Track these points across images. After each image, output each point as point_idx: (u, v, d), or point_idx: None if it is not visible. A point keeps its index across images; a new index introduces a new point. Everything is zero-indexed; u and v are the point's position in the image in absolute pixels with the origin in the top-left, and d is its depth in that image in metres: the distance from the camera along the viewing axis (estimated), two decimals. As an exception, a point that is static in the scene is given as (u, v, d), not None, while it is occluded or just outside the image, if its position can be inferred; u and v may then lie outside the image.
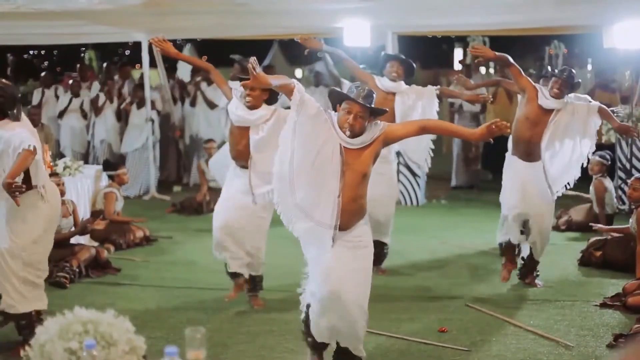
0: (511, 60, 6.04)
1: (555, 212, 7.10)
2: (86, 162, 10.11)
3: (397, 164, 8.04)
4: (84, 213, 7.60)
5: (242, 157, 5.65)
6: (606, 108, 6.29)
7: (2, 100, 4.68)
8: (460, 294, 6.26)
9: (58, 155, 9.79)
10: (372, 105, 4.12)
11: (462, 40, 18.37)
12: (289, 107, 4.31)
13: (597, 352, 4.97)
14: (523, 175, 6.24)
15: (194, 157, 11.45)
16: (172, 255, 7.66)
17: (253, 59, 4.20)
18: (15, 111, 4.73)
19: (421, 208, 10.16)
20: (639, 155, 9.35)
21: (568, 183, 6.34)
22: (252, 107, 5.51)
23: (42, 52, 24.77)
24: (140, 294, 6.29)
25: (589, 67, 14.63)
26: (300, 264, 4.50)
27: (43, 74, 12.41)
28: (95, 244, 7.51)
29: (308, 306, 4.36)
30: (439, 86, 6.96)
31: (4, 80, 4.89)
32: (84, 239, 7.37)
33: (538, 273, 6.51)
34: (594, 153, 6.63)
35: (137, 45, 11.44)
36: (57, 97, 11.34)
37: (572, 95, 6.28)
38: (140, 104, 10.81)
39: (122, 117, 11.16)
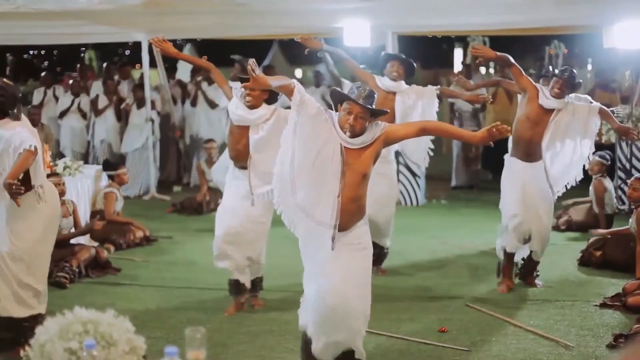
0: (512, 60, 6.04)
1: (555, 212, 7.10)
2: (86, 162, 10.11)
3: (397, 164, 8.02)
4: (84, 213, 7.61)
5: (241, 158, 5.64)
6: (606, 109, 6.30)
7: (2, 99, 4.67)
8: (460, 294, 6.26)
9: (58, 155, 9.80)
10: (373, 106, 4.12)
11: (462, 40, 18.36)
12: (289, 107, 4.31)
13: (597, 352, 4.97)
14: (523, 176, 6.23)
15: (194, 157, 11.45)
16: (172, 255, 7.66)
17: (252, 61, 4.20)
18: (15, 111, 4.73)
19: (421, 208, 10.16)
20: (639, 155, 9.34)
21: (568, 183, 6.35)
22: (252, 106, 5.51)
23: (42, 52, 24.77)
24: (140, 294, 6.29)
25: (589, 67, 14.63)
26: (301, 264, 4.48)
27: (43, 74, 12.42)
28: (95, 244, 7.51)
29: (305, 335, 4.32)
30: (439, 86, 6.96)
31: (4, 79, 4.89)
32: (84, 239, 7.37)
33: (538, 273, 6.51)
34: (593, 153, 6.62)
35: (137, 45, 11.43)
36: (55, 97, 11.33)
37: (572, 95, 6.28)
38: (140, 104, 10.80)
39: (122, 117, 11.16)
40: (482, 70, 17.04)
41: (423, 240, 8.24)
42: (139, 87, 11.01)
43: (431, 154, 6.94)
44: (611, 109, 6.44)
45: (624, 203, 8.97)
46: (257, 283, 5.92)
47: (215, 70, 5.79)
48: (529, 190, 6.23)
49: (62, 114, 11.06)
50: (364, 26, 9.28)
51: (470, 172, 11.36)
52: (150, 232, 8.21)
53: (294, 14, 8.89)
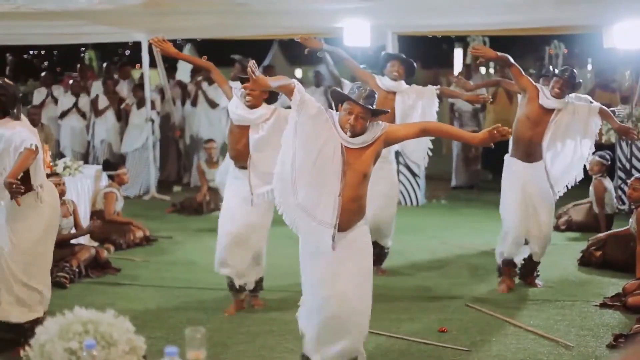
0: (512, 60, 6.04)
1: (555, 213, 7.10)
2: (86, 162, 10.11)
3: (397, 164, 8.03)
4: (84, 213, 7.60)
5: (241, 157, 5.64)
6: (607, 109, 6.30)
7: (4, 99, 4.67)
8: (460, 294, 6.26)
9: (58, 155, 9.79)
10: (374, 106, 4.12)
11: (462, 40, 18.35)
12: (289, 107, 4.31)
13: (597, 352, 4.97)
14: (523, 176, 6.23)
15: (194, 157, 11.46)
16: (172, 255, 7.66)
17: (252, 63, 4.19)
18: (15, 110, 4.73)
19: (421, 208, 10.15)
20: (639, 155, 9.34)
21: (569, 183, 6.35)
22: (252, 106, 5.50)
23: (42, 52, 24.77)
24: (140, 294, 6.29)
25: (589, 67, 14.65)
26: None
27: (44, 74, 12.42)
28: (95, 244, 7.51)
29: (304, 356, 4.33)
30: (439, 86, 6.96)
31: (5, 79, 4.89)
32: (84, 239, 7.37)
33: (538, 273, 6.51)
34: (593, 153, 6.62)
35: (137, 45, 11.43)
36: (54, 98, 11.32)
37: (573, 95, 6.28)
38: (140, 104, 10.81)
39: (122, 117, 11.16)
40: (482, 70, 17.04)
41: (423, 240, 8.24)
42: (139, 87, 11.01)
43: (430, 154, 6.94)
44: (611, 108, 6.43)
45: (624, 203, 8.97)
46: (257, 283, 5.92)
47: (216, 70, 5.79)
48: (529, 190, 6.22)
49: (63, 114, 11.06)
50: (364, 26, 9.28)
51: (470, 172, 11.36)
52: (150, 232, 8.21)
53: (294, 14, 8.89)
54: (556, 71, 6.43)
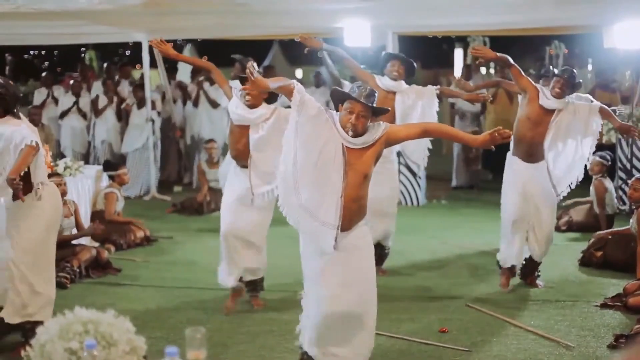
0: (511, 60, 6.03)
1: (556, 212, 7.10)
2: (87, 162, 10.10)
3: (397, 164, 8.02)
4: (84, 213, 7.60)
5: (242, 157, 5.64)
6: (607, 108, 6.29)
7: (4, 97, 4.68)
8: (461, 294, 6.26)
9: (58, 155, 9.79)
10: (374, 105, 4.11)
11: (462, 40, 18.38)
12: (289, 106, 4.30)
13: (598, 353, 4.97)
14: (524, 176, 6.23)
15: (194, 157, 11.46)
16: (173, 256, 7.66)
17: (250, 64, 4.18)
18: (15, 110, 4.74)
19: (421, 208, 10.15)
20: (640, 156, 9.35)
21: (571, 183, 6.34)
22: (252, 106, 5.50)
23: (43, 52, 24.79)
24: (141, 294, 6.29)
25: (589, 67, 14.66)
26: (301, 264, 4.48)
27: (44, 74, 12.43)
28: (96, 244, 7.51)
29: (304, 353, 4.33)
30: (439, 86, 6.96)
31: (6, 79, 4.90)
32: (85, 240, 7.37)
33: (539, 273, 6.51)
34: (594, 153, 6.62)
35: (137, 46, 11.43)
36: (54, 98, 11.33)
37: (573, 95, 6.28)
38: (141, 104, 10.81)
39: (123, 117, 11.17)
40: (482, 70, 17.06)
41: (423, 240, 8.24)
42: (139, 87, 11.02)
43: (428, 153, 6.94)
44: (612, 108, 6.42)
45: (624, 203, 8.96)
46: (257, 283, 5.92)
47: (216, 70, 5.79)
48: (530, 190, 6.22)
49: (63, 114, 11.06)
50: (364, 26, 9.28)
51: (470, 172, 11.37)
52: (150, 232, 8.20)
53: (294, 14, 8.89)
54: (556, 71, 6.42)
